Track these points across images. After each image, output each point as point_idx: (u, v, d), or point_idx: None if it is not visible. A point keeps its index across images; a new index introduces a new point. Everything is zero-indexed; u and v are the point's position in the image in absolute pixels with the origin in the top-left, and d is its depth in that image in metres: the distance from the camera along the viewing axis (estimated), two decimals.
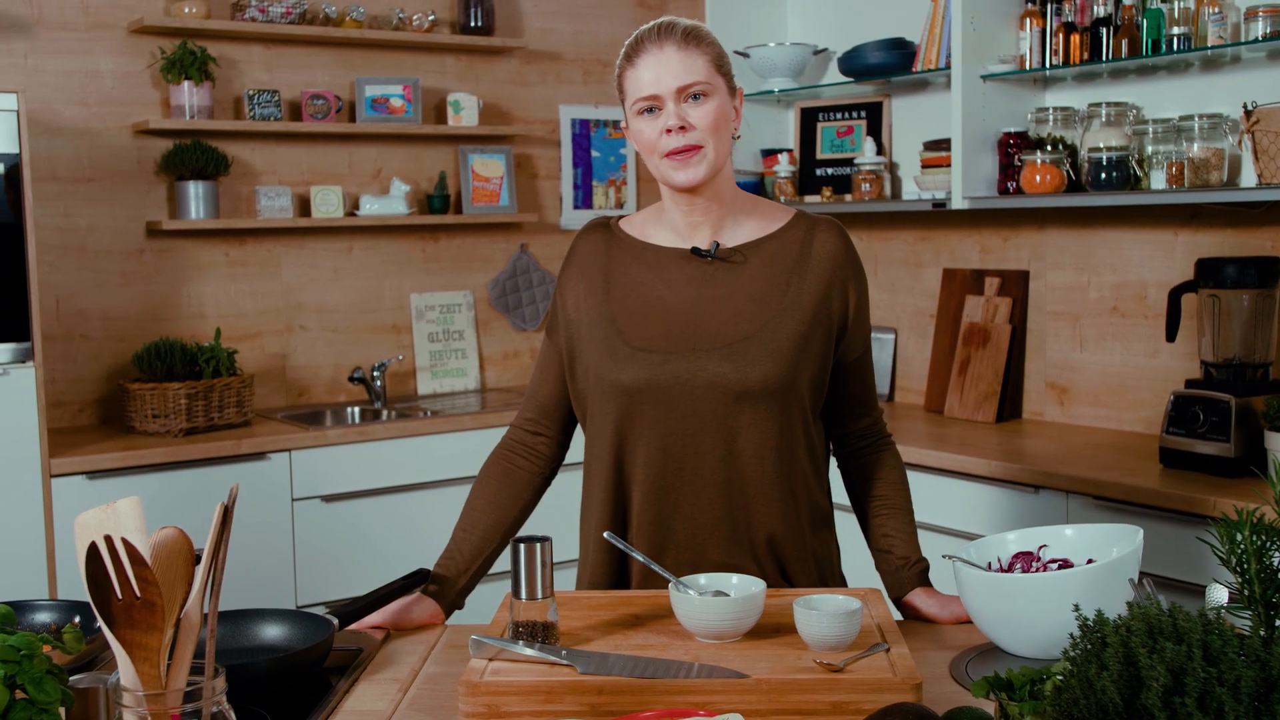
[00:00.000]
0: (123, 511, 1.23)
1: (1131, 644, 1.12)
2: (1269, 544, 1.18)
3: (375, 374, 4.57)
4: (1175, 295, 3.36)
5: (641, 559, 1.91)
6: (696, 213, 2.05)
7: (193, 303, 4.38)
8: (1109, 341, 3.87)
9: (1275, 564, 1.19)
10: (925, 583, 2.10)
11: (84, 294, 4.19)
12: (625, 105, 2.04)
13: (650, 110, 1.99)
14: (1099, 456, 3.45)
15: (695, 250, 2.06)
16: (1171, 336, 3.37)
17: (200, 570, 1.25)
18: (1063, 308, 3.99)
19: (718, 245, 2.05)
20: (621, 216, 2.18)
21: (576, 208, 5.14)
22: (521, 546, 1.74)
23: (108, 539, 1.16)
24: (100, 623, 1.19)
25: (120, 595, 1.17)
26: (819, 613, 1.71)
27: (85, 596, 2.03)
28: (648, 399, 2.00)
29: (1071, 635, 1.19)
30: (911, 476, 3.54)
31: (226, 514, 1.27)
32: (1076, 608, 1.19)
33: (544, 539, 1.75)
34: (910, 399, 4.46)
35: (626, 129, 2.07)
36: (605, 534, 1.96)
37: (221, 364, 4.06)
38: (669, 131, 1.97)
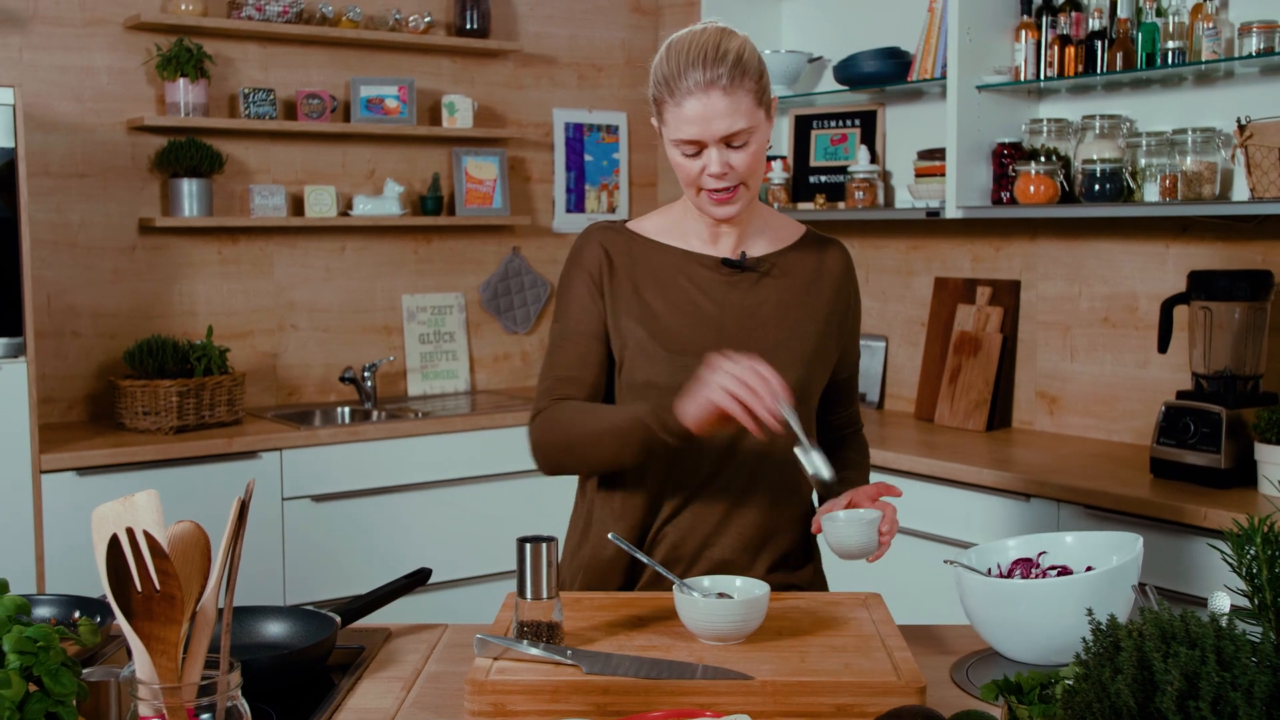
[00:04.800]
0: (140, 505, 1.23)
1: (1145, 648, 1.13)
2: (1279, 554, 1.20)
3: (366, 374, 4.56)
4: (1167, 307, 3.38)
5: (646, 560, 1.92)
6: (721, 225, 2.07)
7: (184, 300, 4.37)
8: (1099, 352, 3.90)
9: None
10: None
11: (75, 290, 4.18)
12: (661, 124, 2.00)
13: (692, 147, 1.96)
14: (1089, 466, 3.47)
15: (726, 261, 2.07)
16: (1163, 348, 3.40)
17: (216, 564, 1.26)
18: (1054, 318, 4.01)
19: (744, 255, 2.08)
20: (628, 221, 2.16)
21: (569, 211, 5.15)
22: (527, 546, 1.74)
23: (129, 531, 1.16)
24: (119, 616, 1.19)
25: (140, 588, 1.18)
26: (846, 521, 1.93)
27: (77, 591, 2.02)
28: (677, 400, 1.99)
29: (1085, 639, 1.20)
30: (902, 483, 3.59)
31: (243, 509, 1.27)
32: (1090, 612, 1.20)
33: (549, 539, 1.76)
34: (900, 407, 4.47)
35: (660, 131, 2.02)
36: (610, 535, 1.96)
37: (213, 362, 4.05)
38: (712, 175, 1.96)
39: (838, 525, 1.96)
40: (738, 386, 1.79)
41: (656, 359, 2.02)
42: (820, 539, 2.09)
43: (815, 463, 1.86)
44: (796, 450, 1.86)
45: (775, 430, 1.81)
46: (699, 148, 1.95)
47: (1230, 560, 1.20)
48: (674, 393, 1.93)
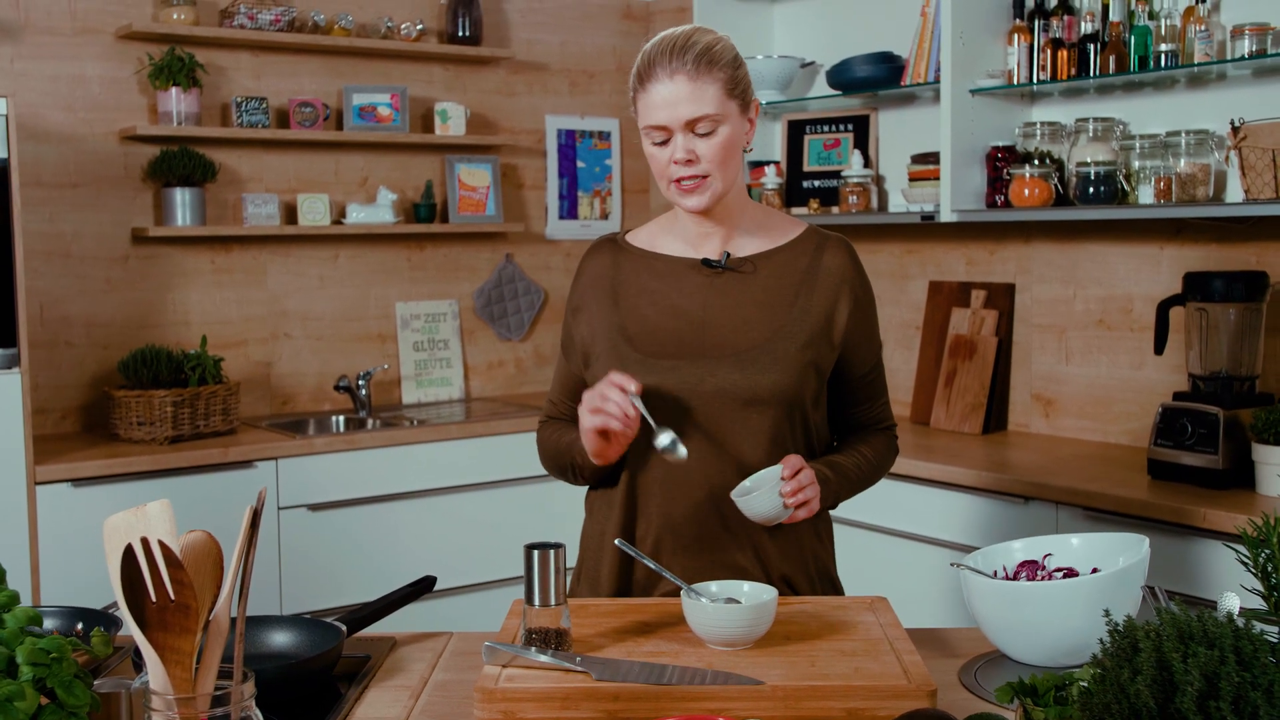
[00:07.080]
0: (153, 514, 1.23)
1: (1164, 649, 1.13)
2: None
3: (360, 383, 4.55)
4: (1164, 308, 3.39)
5: (653, 565, 1.92)
6: (707, 224, 2.10)
7: (178, 310, 4.35)
8: (1094, 354, 3.90)
9: None
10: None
11: (68, 300, 4.16)
12: (638, 121, 2.06)
13: (660, 134, 2.01)
14: (1086, 468, 3.48)
15: (706, 261, 2.09)
16: (1160, 349, 3.40)
17: (229, 573, 1.25)
18: (1049, 320, 4.02)
19: (728, 255, 2.08)
20: (628, 231, 2.22)
21: (562, 218, 5.14)
22: (535, 554, 1.74)
23: (144, 541, 1.15)
24: (132, 627, 1.18)
25: (155, 598, 1.17)
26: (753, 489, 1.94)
27: (72, 602, 2.01)
28: (657, 405, 2.01)
29: (1101, 640, 1.20)
30: (901, 487, 3.60)
31: (255, 518, 1.27)
32: (1107, 613, 1.20)
33: (557, 546, 1.75)
34: (896, 410, 4.45)
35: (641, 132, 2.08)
36: (616, 541, 1.96)
37: (208, 371, 4.04)
38: (676, 162, 2.00)
39: (749, 498, 1.95)
40: (594, 404, 1.94)
41: (631, 363, 2.05)
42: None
43: (661, 440, 1.92)
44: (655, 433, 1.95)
45: (633, 424, 1.93)
46: (667, 135, 2.00)
47: (1245, 560, 1.20)
48: (650, 397, 2.00)
